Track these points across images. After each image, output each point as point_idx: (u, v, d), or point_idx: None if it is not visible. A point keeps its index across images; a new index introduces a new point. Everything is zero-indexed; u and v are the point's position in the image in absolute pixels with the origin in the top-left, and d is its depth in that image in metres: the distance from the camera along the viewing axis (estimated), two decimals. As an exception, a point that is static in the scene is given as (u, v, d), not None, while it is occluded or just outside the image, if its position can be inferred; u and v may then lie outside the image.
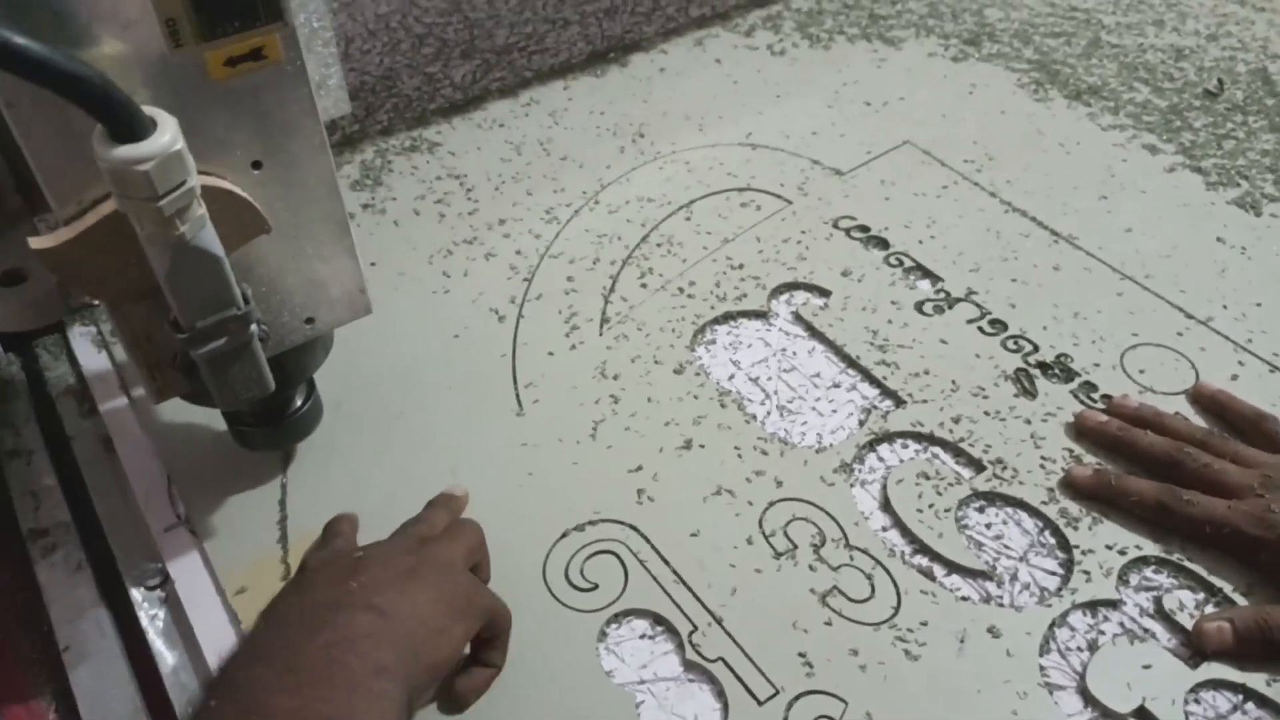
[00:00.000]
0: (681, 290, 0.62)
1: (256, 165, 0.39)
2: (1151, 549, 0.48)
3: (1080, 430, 0.54)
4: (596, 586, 0.47)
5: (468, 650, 0.43)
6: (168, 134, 0.33)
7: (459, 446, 0.53)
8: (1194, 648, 0.45)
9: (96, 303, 0.54)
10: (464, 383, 0.57)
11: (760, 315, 0.61)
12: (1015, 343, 0.59)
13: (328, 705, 0.34)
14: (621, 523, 0.50)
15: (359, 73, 0.80)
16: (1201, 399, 0.55)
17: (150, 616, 0.46)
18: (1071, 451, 0.53)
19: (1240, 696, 0.43)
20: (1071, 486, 0.51)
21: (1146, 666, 0.44)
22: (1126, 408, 0.54)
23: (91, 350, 0.57)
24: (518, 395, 0.56)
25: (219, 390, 0.41)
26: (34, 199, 0.44)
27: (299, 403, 0.50)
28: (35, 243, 0.35)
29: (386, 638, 0.37)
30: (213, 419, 0.53)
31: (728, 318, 0.61)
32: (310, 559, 0.44)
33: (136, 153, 0.32)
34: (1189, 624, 0.45)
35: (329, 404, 0.53)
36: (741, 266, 0.64)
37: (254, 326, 0.40)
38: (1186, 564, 0.48)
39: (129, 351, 0.41)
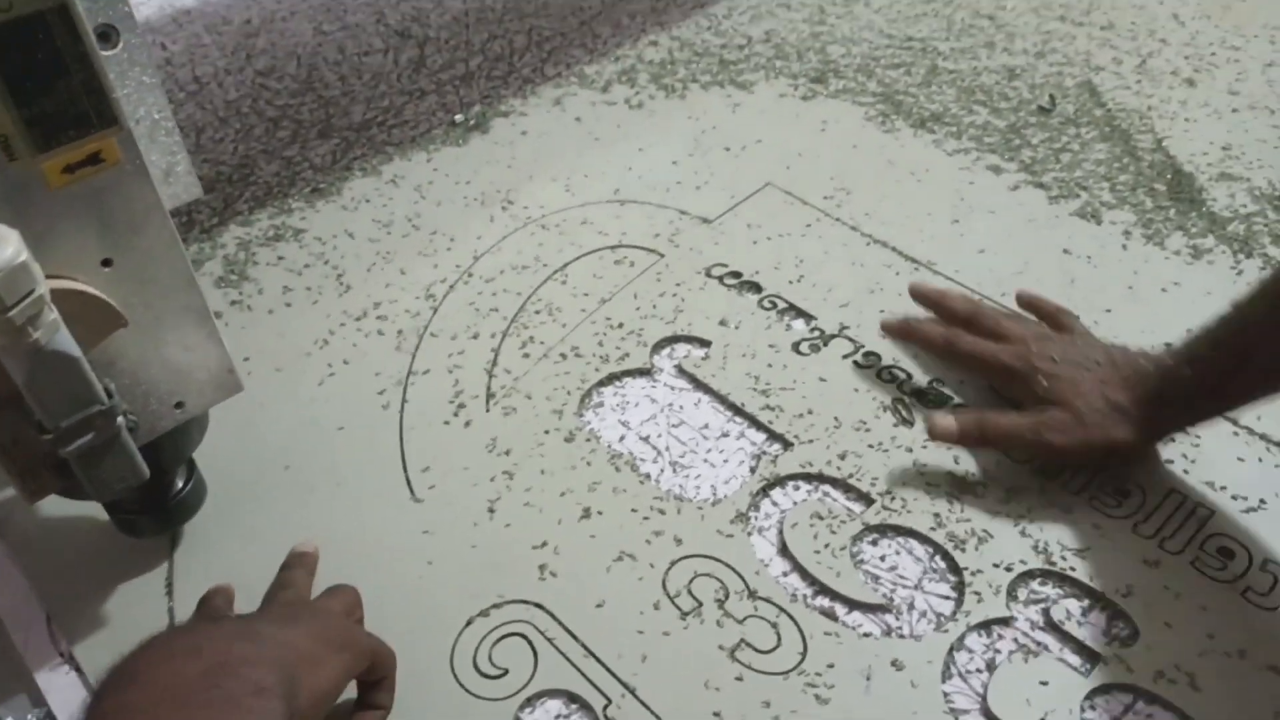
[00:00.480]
0: (564, 356, 0.63)
1: (107, 263, 0.40)
2: (1035, 562, 0.50)
3: (912, 294, 0.63)
4: (507, 672, 0.47)
5: (355, 694, 0.43)
6: (9, 248, 0.33)
7: (354, 539, 0.52)
8: (927, 433, 0.55)
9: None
10: (354, 474, 0.56)
11: (644, 373, 0.62)
12: (889, 374, 0.61)
13: None
14: (526, 602, 0.50)
15: (213, 163, 0.78)
16: (1020, 299, 0.64)
17: (38, 768, 0.44)
18: (957, 459, 0.55)
19: (1131, 697, 0.46)
20: (883, 328, 0.62)
21: (1044, 683, 0.46)
22: (952, 292, 0.63)
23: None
24: (408, 481, 0.55)
25: (93, 484, 0.42)
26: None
27: (180, 484, 0.51)
28: None
29: (264, 662, 0.37)
30: (89, 550, 0.51)
31: (613, 379, 0.62)
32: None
33: None
34: (1078, 633, 0.47)
35: (215, 507, 0.51)
36: (621, 325, 0.65)
37: (121, 419, 0.41)
38: (1070, 574, 0.50)
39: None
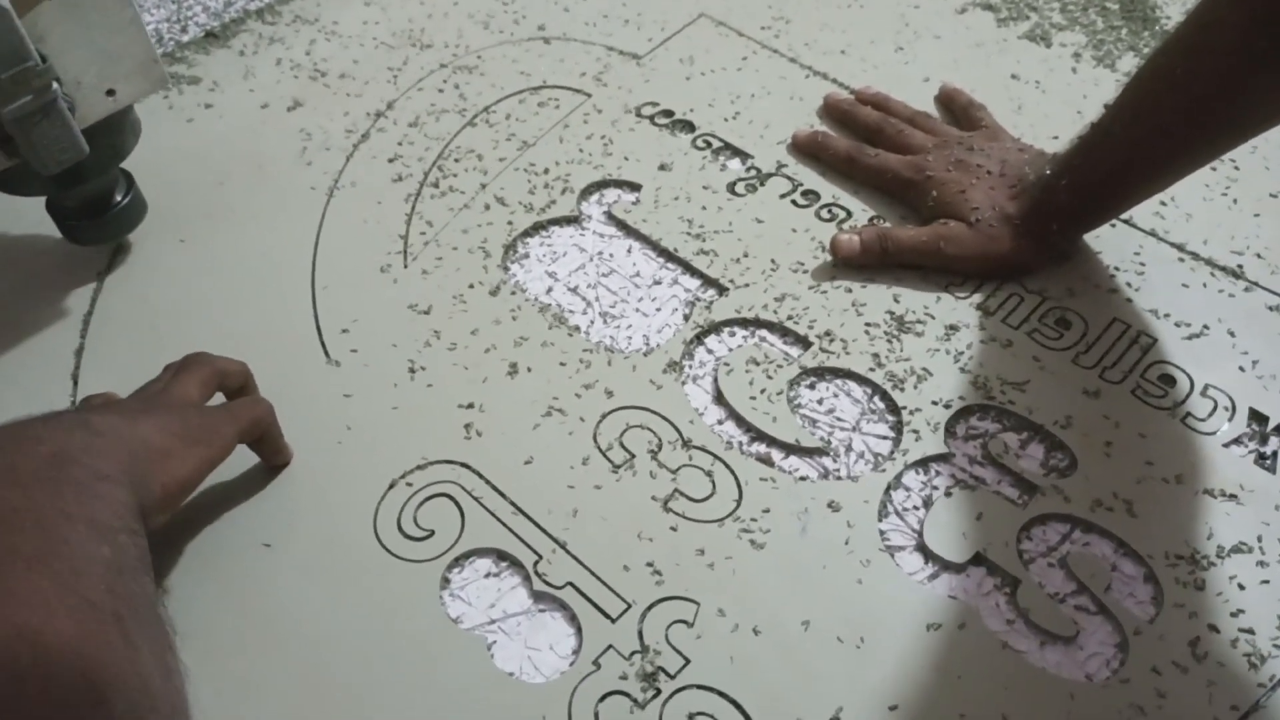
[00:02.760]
0: (487, 206, 0.59)
1: None
2: (973, 398, 0.49)
3: (825, 109, 0.64)
4: (433, 533, 0.45)
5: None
6: None
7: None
8: (830, 254, 0.55)
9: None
10: (265, 338, 0.52)
11: (572, 220, 0.59)
12: (829, 211, 0.58)
13: (60, 501, 0.32)
14: (452, 462, 0.48)
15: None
16: (940, 96, 0.64)
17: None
18: (897, 298, 0.53)
19: (1068, 526, 0.45)
20: (794, 143, 0.61)
21: (980, 516, 0.45)
22: (865, 93, 0.64)
23: None
24: (323, 344, 0.52)
25: (35, 154, 0.44)
26: None
27: (120, 197, 0.54)
28: None
29: (105, 452, 0.36)
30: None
31: (539, 228, 0.58)
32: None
33: None
34: (1016, 466, 0.47)
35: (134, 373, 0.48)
36: (547, 171, 0.61)
37: (56, 85, 0.43)
38: (1009, 408, 0.49)
39: None
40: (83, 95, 0.47)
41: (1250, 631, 0.41)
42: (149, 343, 0.52)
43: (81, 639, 0.28)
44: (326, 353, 0.52)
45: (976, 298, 0.53)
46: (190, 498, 0.41)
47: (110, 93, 0.48)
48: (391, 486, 0.47)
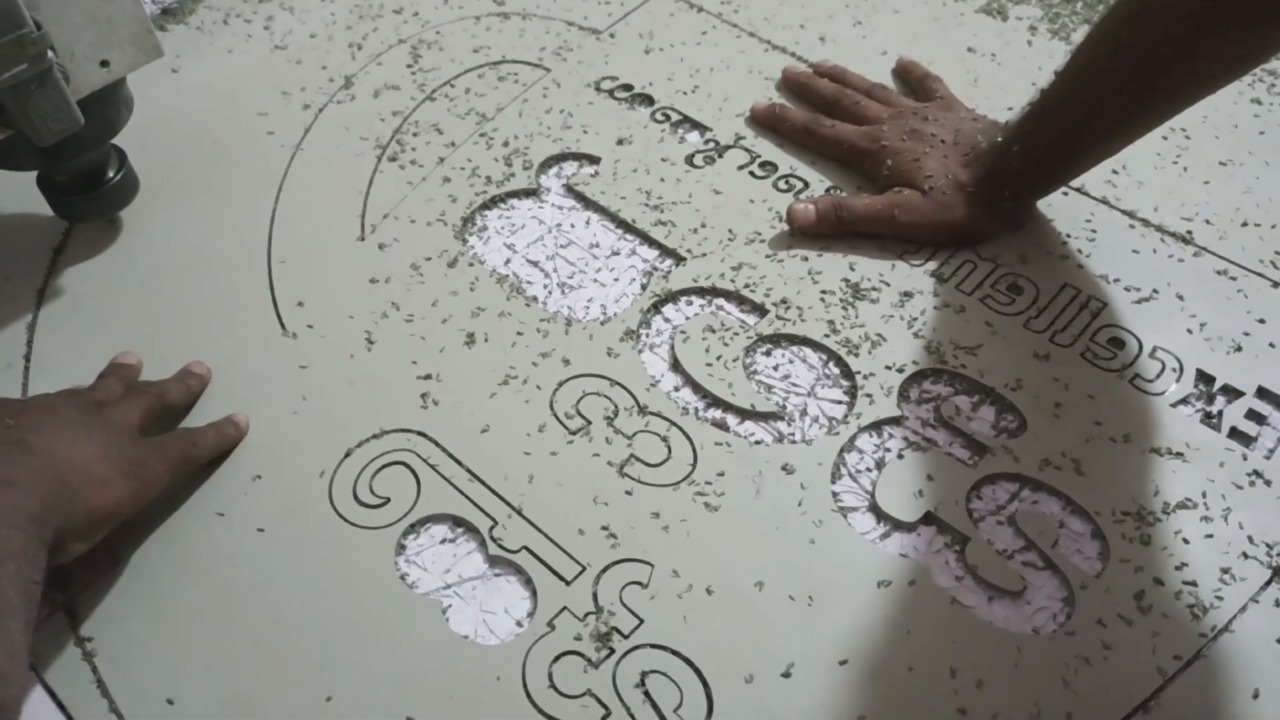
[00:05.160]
0: (447, 179, 0.59)
1: None
2: (926, 362, 0.50)
3: (783, 82, 0.64)
4: (388, 500, 0.45)
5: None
6: None
7: (223, 375, 0.49)
8: (787, 224, 0.56)
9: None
10: (221, 309, 0.52)
11: (531, 193, 0.59)
12: (786, 182, 0.59)
13: None
14: (408, 431, 0.48)
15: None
16: (897, 68, 0.65)
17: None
18: (853, 266, 0.53)
19: (1017, 485, 0.46)
20: (752, 115, 0.62)
21: (930, 477, 0.46)
22: (822, 66, 0.64)
23: None
24: (279, 316, 0.52)
25: (31, 124, 0.44)
26: None
27: (112, 173, 0.54)
28: None
29: (23, 462, 0.37)
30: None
31: (497, 201, 0.58)
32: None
33: None
34: (967, 428, 0.47)
35: (90, 345, 0.48)
36: (506, 144, 0.61)
37: (51, 54, 0.43)
38: (961, 371, 0.49)
39: None
40: (76, 65, 0.46)
41: (1194, 584, 0.42)
42: (106, 317, 0.52)
43: None
44: (283, 325, 0.52)
45: (931, 265, 0.54)
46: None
47: (104, 64, 0.48)
48: (347, 455, 0.47)
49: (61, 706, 0.39)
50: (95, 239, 0.56)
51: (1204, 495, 0.45)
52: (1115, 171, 0.58)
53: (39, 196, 0.53)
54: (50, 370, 0.50)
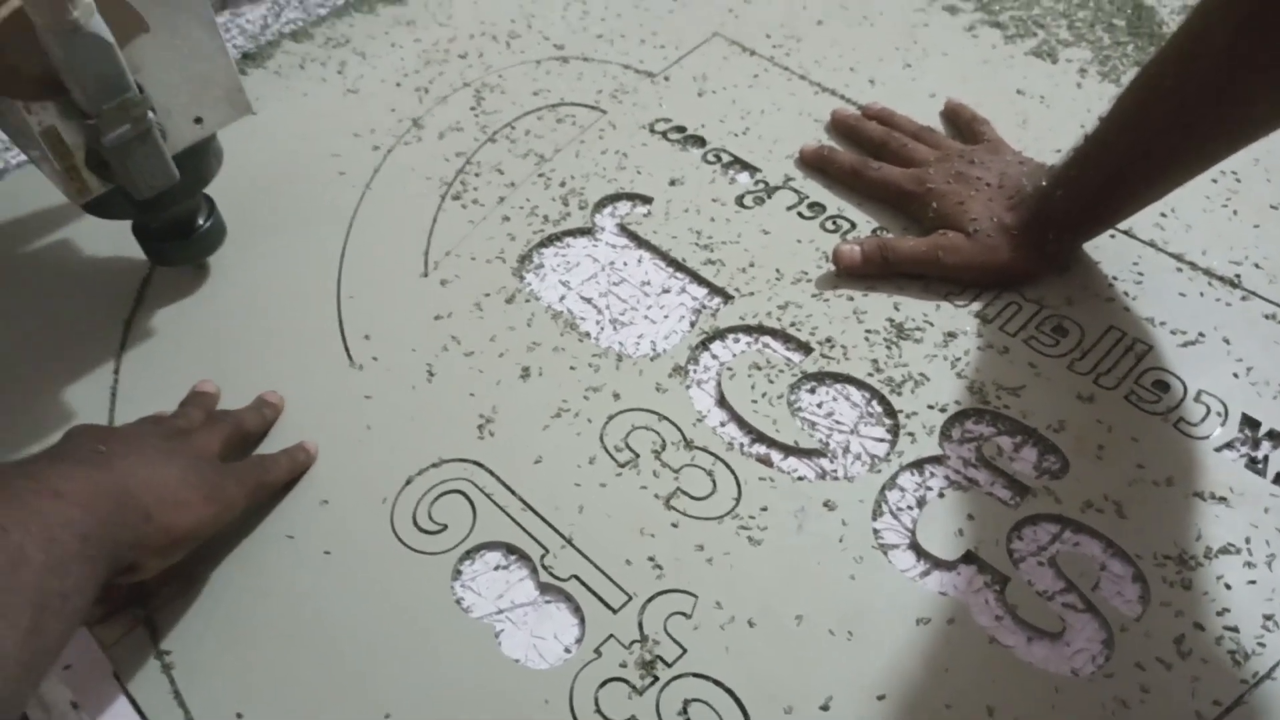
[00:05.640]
0: (506, 218, 0.61)
1: None
2: (969, 402, 0.51)
3: (832, 124, 0.66)
4: (446, 527, 0.47)
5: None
6: None
7: (292, 404, 0.52)
8: (833, 264, 0.57)
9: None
10: (292, 341, 0.55)
11: (586, 232, 0.61)
12: (834, 223, 0.60)
13: None
14: (465, 460, 0.50)
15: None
16: (945, 111, 0.66)
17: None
18: (897, 306, 0.55)
19: (1059, 526, 0.46)
20: (801, 157, 0.64)
21: (971, 516, 0.46)
22: (871, 109, 0.66)
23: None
24: (347, 349, 0.55)
25: (131, 180, 0.46)
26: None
27: (202, 220, 0.56)
28: None
29: (89, 478, 0.38)
30: (28, 415, 0.51)
31: (554, 239, 0.61)
32: (79, 426, 0.44)
33: None
34: (1009, 468, 0.48)
35: (171, 372, 0.52)
36: (563, 184, 0.63)
37: (151, 115, 0.45)
38: (1004, 412, 0.50)
39: (49, 155, 0.45)
40: (172, 123, 0.49)
41: (1235, 629, 0.42)
42: (187, 347, 0.55)
43: None
44: (350, 356, 0.55)
45: (975, 306, 0.55)
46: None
47: (198, 120, 0.50)
48: (408, 483, 0.49)
49: (144, 716, 0.42)
50: (178, 275, 0.59)
51: (1247, 541, 0.45)
52: (1164, 214, 0.59)
53: (125, 233, 0.57)
54: (135, 398, 0.53)
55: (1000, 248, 0.54)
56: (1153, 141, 0.49)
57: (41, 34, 0.40)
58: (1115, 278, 0.56)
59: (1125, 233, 0.58)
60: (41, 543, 0.35)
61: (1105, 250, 0.57)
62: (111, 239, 0.59)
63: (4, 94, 0.42)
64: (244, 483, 0.45)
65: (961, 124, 0.64)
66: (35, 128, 0.44)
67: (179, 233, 0.56)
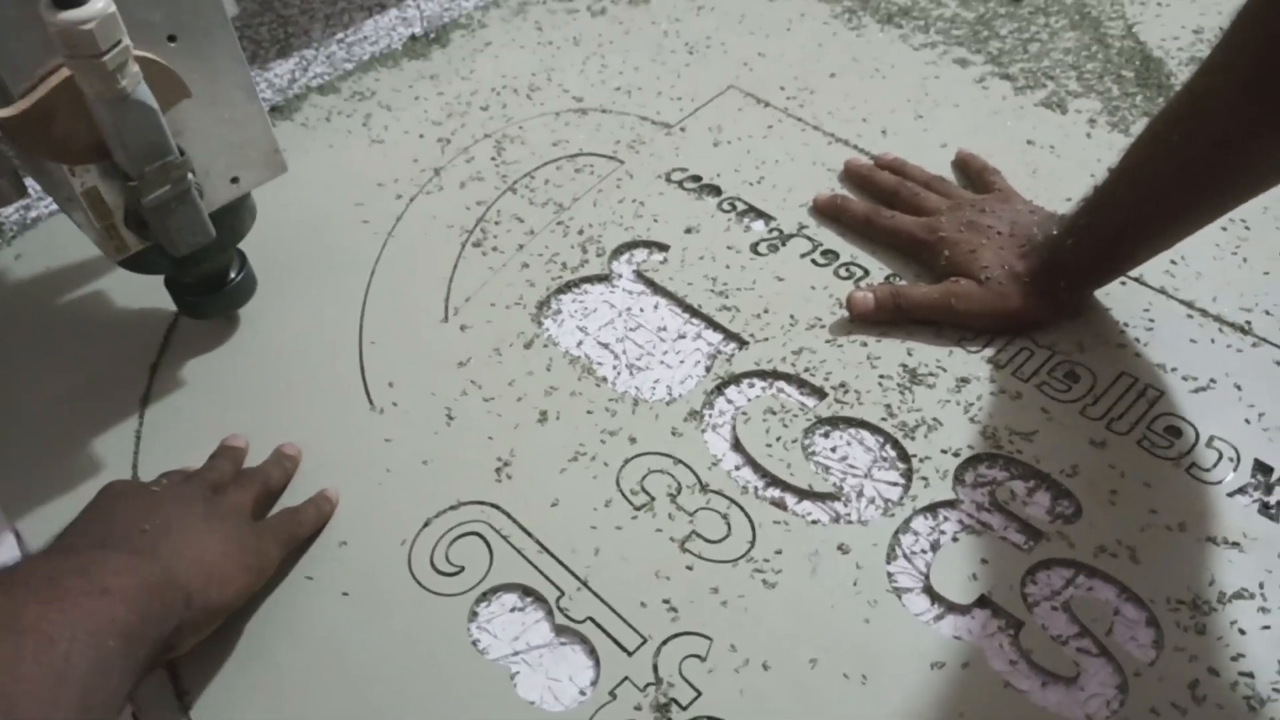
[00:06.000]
0: (525, 265, 0.63)
1: (172, 39, 0.45)
2: (982, 447, 0.51)
3: (845, 173, 0.67)
4: (462, 569, 0.48)
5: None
6: (101, 1, 0.39)
7: (313, 449, 0.53)
8: (847, 310, 0.58)
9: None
10: (314, 386, 0.57)
11: (603, 279, 0.62)
12: (847, 270, 0.61)
13: (26, 609, 0.36)
14: (483, 503, 0.51)
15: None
16: (956, 160, 0.68)
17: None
18: (910, 352, 0.55)
19: (1072, 571, 0.47)
20: (815, 205, 0.65)
21: (984, 561, 0.47)
22: (883, 159, 0.67)
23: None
24: (368, 393, 0.56)
25: (169, 238, 0.48)
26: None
27: (234, 274, 0.58)
28: (1, 112, 0.41)
29: (135, 570, 0.39)
30: (54, 462, 0.53)
31: (571, 285, 0.62)
32: (117, 484, 0.46)
33: (80, 15, 0.38)
34: (1022, 512, 0.48)
35: (195, 418, 0.53)
36: (581, 233, 0.65)
37: (190, 176, 0.46)
38: (1017, 456, 0.51)
39: (89, 213, 0.46)
40: (210, 183, 0.50)
41: (1250, 675, 0.42)
42: (210, 391, 0.57)
43: None
44: (371, 401, 0.56)
45: (988, 352, 0.56)
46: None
47: (234, 180, 0.52)
48: (426, 525, 0.50)
49: (162, 754, 0.43)
50: (204, 323, 0.60)
51: (1261, 586, 0.45)
52: (1174, 261, 0.60)
53: (150, 281, 0.58)
54: (159, 443, 0.54)
55: (1012, 295, 0.55)
56: (1161, 194, 0.50)
57: (91, 103, 0.41)
58: (1126, 324, 0.56)
59: (1136, 280, 0.59)
60: (87, 649, 0.35)
61: (1116, 297, 0.58)
62: (137, 287, 0.61)
63: (54, 159, 0.44)
64: (278, 539, 0.47)
65: (972, 174, 0.65)
66: (77, 188, 0.45)
67: (211, 286, 0.57)
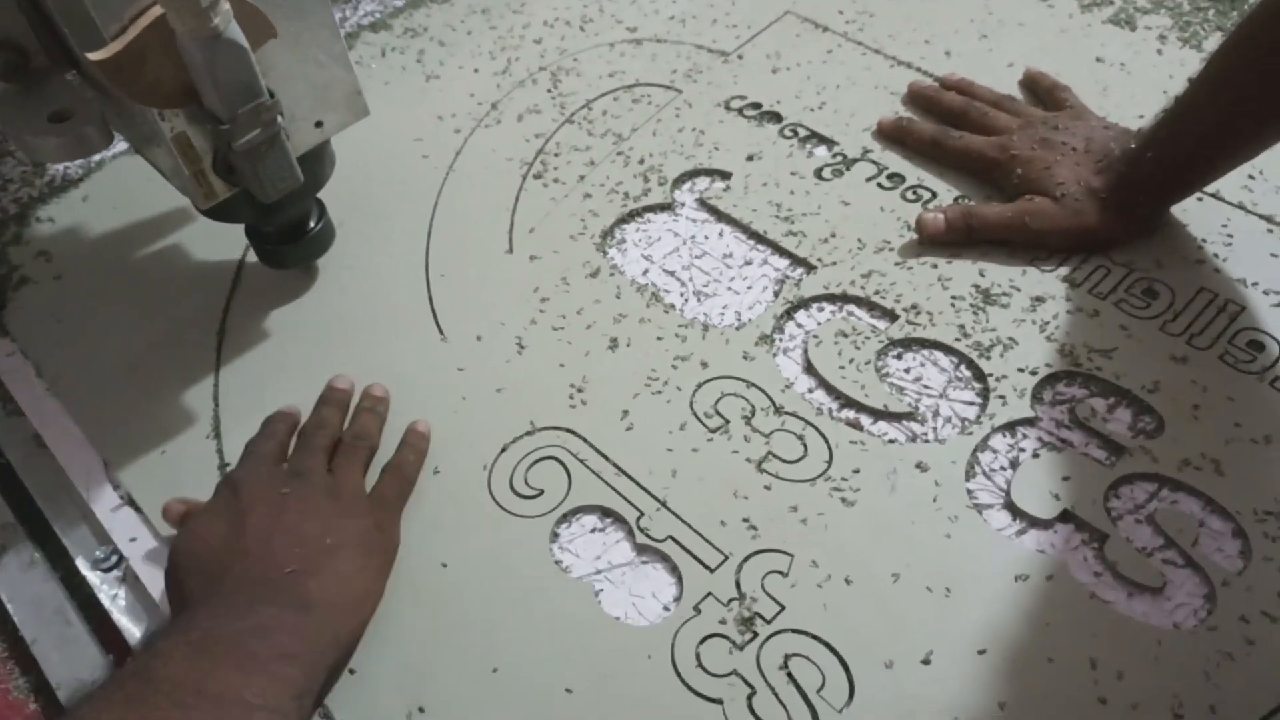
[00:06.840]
0: (587, 195, 0.63)
1: None
2: (1060, 365, 0.51)
3: (909, 96, 0.66)
4: (542, 492, 0.49)
5: None
6: None
7: (387, 382, 0.54)
8: (916, 233, 0.57)
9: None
10: (385, 319, 0.57)
11: (666, 208, 0.62)
12: (914, 193, 0.60)
13: (216, 682, 0.37)
14: (558, 428, 0.51)
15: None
16: (1024, 79, 0.66)
17: (111, 597, 0.47)
18: (983, 273, 0.55)
19: (1156, 485, 0.46)
20: (879, 129, 0.64)
21: (1066, 477, 0.46)
22: (949, 79, 0.66)
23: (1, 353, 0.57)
24: (438, 324, 0.56)
25: (258, 183, 0.47)
26: (56, 56, 0.48)
27: (313, 223, 0.57)
28: (94, 56, 0.40)
29: (305, 630, 0.40)
30: (138, 398, 0.54)
31: (635, 215, 0.62)
32: (241, 481, 0.45)
33: None
34: (1103, 428, 0.48)
35: (268, 357, 0.53)
36: (642, 162, 0.64)
37: (280, 118, 0.45)
38: (1096, 374, 0.50)
39: (179, 159, 0.46)
40: (295, 127, 0.49)
41: (1342, 584, 0.42)
42: (284, 327, 0.57)
43: None
44: (441, 331, 0.56)
45: (1063, 270, 0.55)
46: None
47: (319, 124, 0.51)
48: (503, 450, 0.50)
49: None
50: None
51: (1352, 496, 0.44)
52: (1251, 176, 0.58)
53: (212, 224, 0.58)
54: (237, 372, 0.55)
55: (1088, 212, 0.54)
56: (1244, 104, 0.48)
57: (182, 42, 0.40)
58: (1204, 240, 0.55)
59: (1213, 195, 0.57)
60: (274, 714, 0.37)
61: (1193, 213, 0.56)
62: (207, 225, 0.62)
63: (145, 103, 0.43)
64: (397, 506, 0.47)
65: (1042, 91, 0.64)
66: (167, 134, 0.45)
67: (292, 236, 0.57)
